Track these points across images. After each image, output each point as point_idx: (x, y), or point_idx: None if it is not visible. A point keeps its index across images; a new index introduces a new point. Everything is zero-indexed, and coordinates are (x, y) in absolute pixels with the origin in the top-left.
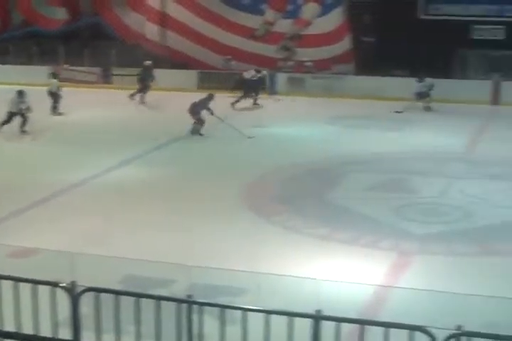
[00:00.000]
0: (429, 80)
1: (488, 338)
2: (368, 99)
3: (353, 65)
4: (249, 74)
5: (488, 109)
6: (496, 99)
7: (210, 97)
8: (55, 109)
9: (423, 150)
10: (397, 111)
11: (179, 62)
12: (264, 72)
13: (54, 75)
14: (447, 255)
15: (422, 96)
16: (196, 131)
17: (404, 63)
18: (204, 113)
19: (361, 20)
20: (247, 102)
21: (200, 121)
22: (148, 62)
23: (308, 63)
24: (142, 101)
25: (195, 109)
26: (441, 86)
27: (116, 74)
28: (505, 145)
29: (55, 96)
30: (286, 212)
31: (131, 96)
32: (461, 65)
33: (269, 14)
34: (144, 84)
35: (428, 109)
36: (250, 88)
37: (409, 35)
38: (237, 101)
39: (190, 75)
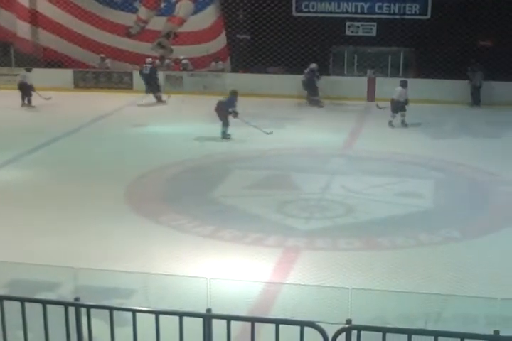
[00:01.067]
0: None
1: (376, 331)
2: (245, 97)
3: (229, 63)
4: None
5: (364, 105)
6: (371, 96)
7: (236, 94)
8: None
9: (304, 147)
10: (379, 107)
11: (53, 60)
12: (314, 65)
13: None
14: (333, 250)
15: (398, 107)
16: (224, 133)
17: (279, 60)
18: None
19: (235, 18)
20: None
21: (226, 122)
22: (150, 60)
23: (185, 61)
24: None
25: (224, 108)
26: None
27: None
28: (381, 141)
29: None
30: (171, 211)
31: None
32: (335, 62)
33: (142, 12)
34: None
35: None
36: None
37: (284, 33)
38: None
39: (66, 74)
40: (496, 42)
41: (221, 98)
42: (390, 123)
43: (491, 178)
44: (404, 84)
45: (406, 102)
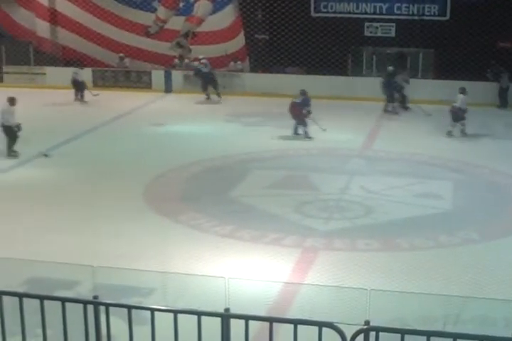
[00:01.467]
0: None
1: (395, 333)
2: (264, 97)
3: (247, 63)
4: None
5: (383, 106)
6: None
7: (307, 94)
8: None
9: (323, 147)
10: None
11: (72, 59)
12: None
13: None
14: (351, 251)
15: (459, 116)
16: (306, 133)
17: (298, 61)
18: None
19: (254, 18)
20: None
21: (304, 122)
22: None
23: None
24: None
25: (299, 109)
26: (337, 83)
27: (6, 72)
28: (400, 142)
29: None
30: (190, 210)
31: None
32: (354, 62)
33: (161, 11)
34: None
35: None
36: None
37: (302, 33)
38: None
39: (85, 73)
40: None
41: (293, 99)
42: (450, 133)
43: (511, 181)
44: (463, 91)
45: (466, 110)
